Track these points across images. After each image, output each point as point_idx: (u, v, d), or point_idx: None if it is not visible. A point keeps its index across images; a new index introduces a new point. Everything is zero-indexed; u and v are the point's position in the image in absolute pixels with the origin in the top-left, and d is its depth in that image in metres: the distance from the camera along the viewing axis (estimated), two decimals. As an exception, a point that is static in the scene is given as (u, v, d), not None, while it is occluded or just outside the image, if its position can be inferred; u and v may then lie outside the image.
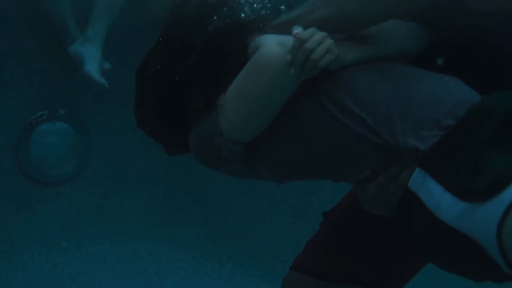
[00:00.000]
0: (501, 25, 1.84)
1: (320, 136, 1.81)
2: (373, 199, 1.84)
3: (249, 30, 1.89)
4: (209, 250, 3.84)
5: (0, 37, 3.61)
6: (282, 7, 1.96)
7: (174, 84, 1.90)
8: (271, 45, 1.79)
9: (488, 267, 1.68)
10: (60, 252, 3.74)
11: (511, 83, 1.80)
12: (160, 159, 3.71)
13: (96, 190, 3.77)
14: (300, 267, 2.12)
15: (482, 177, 1.65)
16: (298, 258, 2.15)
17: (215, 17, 1.92)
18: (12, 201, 3.71)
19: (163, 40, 1.94)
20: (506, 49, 1.86)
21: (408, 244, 1.86)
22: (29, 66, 3.66)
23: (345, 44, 1.86)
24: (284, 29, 1.84)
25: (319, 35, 1.78)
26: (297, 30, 1.79)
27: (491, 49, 1.87)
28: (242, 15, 1.94)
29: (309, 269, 2.09)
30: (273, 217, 3.88)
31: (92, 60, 3.47)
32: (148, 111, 1.95)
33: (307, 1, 1.92)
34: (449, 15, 1.88)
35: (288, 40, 1.79)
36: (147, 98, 1.94)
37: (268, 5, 1.96)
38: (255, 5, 1.96)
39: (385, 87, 1.80)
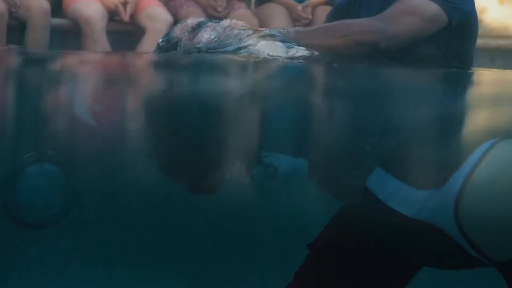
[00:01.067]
0: None
1: None
2: None
3: None
4: (196, 293, 3.82)
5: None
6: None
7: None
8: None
9: (457, 253, 1.72)
10: (46, 296, 3.72)
11: None
12: (148, 201, 3.71)
13: (83, 232, 3.75)
14: None
15: (440, 166, 1.73)
16: (287, 287, 2.17)
17: None
18: (-3, 244, 3.69)
19: None
20: None
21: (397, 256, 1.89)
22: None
23: None
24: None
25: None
26: (291, 54, 2.05)
27: None
28: None
29: None
30: (261, 260, 3.87)
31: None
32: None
33: None
34: None
35: None
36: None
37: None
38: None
39: None
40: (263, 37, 2.11)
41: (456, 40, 2.23)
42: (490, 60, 5.10)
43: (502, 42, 5.26)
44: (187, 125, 2.03)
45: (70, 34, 5.27)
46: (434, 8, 2.17)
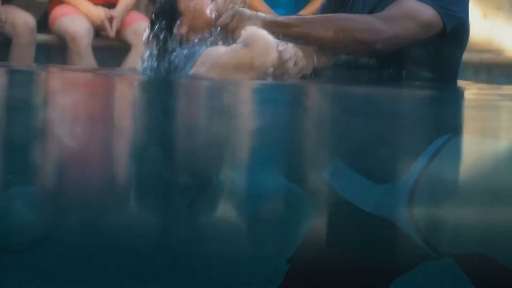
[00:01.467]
0: None
1: None
2: None
3: None
4: (179, 312, 3.81)
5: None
6: None
7: None
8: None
9: (413, 250, 1.75)
10: (27, 320, 3.70)
11: None
12: (129, 223, 3.69)
13: (63, 255, 3.74)
14: None
15: (395, 161, 1.78)
16: None
17: None
18: (-23, 269, 3.67)
19: None
20: None
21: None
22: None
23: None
24: (277, 29, 2.21)
25: (299, 56, 2.14)
26: (282, 48, 2.15)
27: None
28: None
29: None
30: (245, 279, 3.86)
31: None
32: None
33: None
34: None
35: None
36: None
37: None
38: None
39: None
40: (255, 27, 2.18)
41: (446, 46, 2.25)
42: (474, 73, 5.12)
43: (485, 56, 5.28)
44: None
45: (56, 50, 5.29)
46: (432, 13, 2.19)
